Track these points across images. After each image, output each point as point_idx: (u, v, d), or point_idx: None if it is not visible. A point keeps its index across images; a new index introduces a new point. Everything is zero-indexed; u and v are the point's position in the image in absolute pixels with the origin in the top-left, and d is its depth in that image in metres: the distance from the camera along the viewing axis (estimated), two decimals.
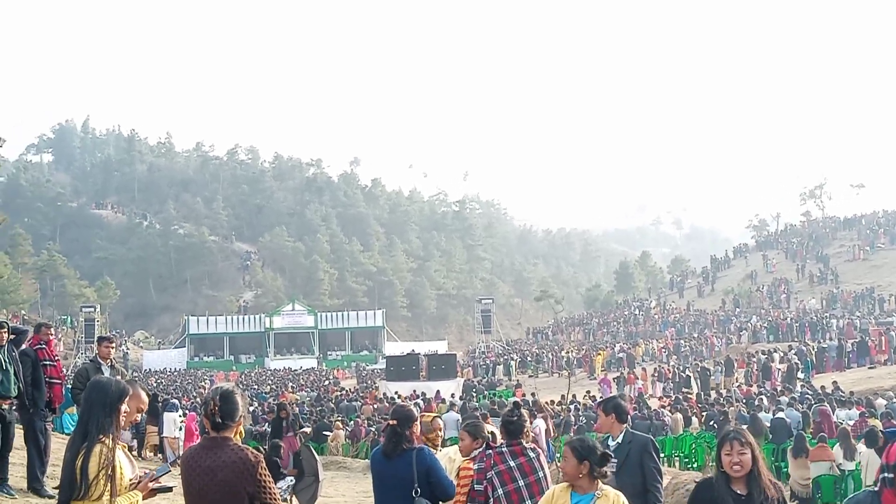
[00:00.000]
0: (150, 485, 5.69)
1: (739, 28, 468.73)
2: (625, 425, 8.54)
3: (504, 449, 7.43)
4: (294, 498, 17.21)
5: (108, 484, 5.37)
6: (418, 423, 7.59)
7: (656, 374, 47.90)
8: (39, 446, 11.75)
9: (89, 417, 5.58)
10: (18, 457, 13.62)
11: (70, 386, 12.81)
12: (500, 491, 7.21)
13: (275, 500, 5.67)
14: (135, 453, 22.35)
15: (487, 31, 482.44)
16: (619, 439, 8.43)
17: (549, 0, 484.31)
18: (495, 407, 29.93)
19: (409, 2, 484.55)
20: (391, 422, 7.36)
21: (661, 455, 25.01)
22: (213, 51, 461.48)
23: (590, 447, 6.26)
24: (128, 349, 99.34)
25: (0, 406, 11.63)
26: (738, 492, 5.88)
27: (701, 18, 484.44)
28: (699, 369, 45.30)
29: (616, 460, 8.39)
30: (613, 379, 47.69)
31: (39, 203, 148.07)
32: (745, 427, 22.21)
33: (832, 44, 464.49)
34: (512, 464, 7.32)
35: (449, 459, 8.32)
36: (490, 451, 7.46)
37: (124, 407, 5.71)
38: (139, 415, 6.70)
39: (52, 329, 13.30)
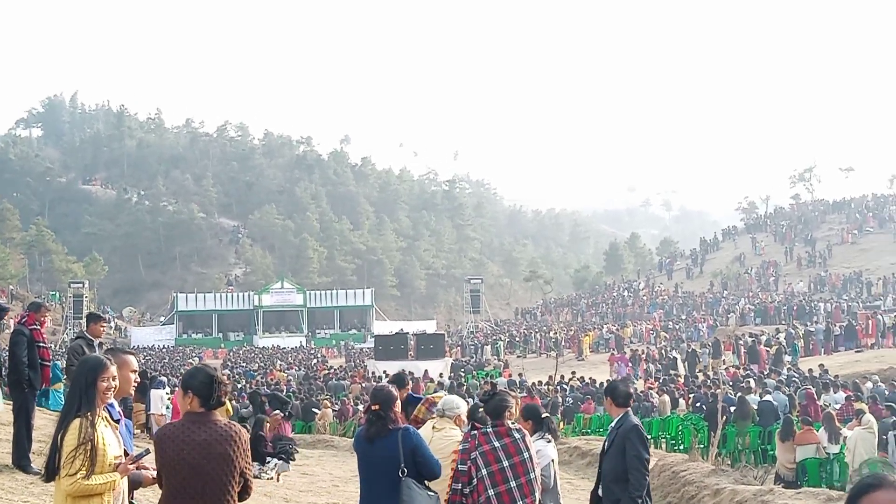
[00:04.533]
0: (131, 466, 5.67)
1: (730, 10, 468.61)
2: (623, 409, 8.53)
3: (489, 429, 7.42)
4: (280, 477, 17.24)
5: (87, 461, 5.36)
6: (399, 402, 7.59)
7: (644, 356, 47.99)
8: (30, 425, 11.76)
9: (72, 395, 5.61)
10: (4, 433, 13.60)
11: (65, 364, 12.75)
12: (483, 471, 7.20)
13: (251, 475, 5.77)
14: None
15: (478, 11, 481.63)
16: (613, 423, 8.49)
17: None
18: (488, 387, 30.05)
19: None
20: (374, 406, 7.32)
21: (648, 437, 25.17)
22: (204, 26, 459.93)
23: None
24: (126, 326, 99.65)
25: None
26: None
27: (693, 3, 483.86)
28: (689, 351, 45.36)
29: (608, 444, 8.46)
30: (630, 357, 47.95)
31: (28, 178, 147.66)
32: (733, 411, 22.36)
33: (822, 28, 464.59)
34: (497, 444, 7.31)
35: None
36: (475, 431, 7.45)
37: (106, 383, 5.70)
38: (133, 384, 6.66)
39: (49, 312, 13.26)
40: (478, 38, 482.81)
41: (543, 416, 9.16)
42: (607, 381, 26.34)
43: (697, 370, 39.94)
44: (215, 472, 5.49)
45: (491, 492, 7.17)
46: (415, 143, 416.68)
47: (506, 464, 7.25)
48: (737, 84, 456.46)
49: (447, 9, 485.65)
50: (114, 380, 5.81)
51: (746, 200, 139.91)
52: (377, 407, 7.28)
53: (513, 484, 7.23)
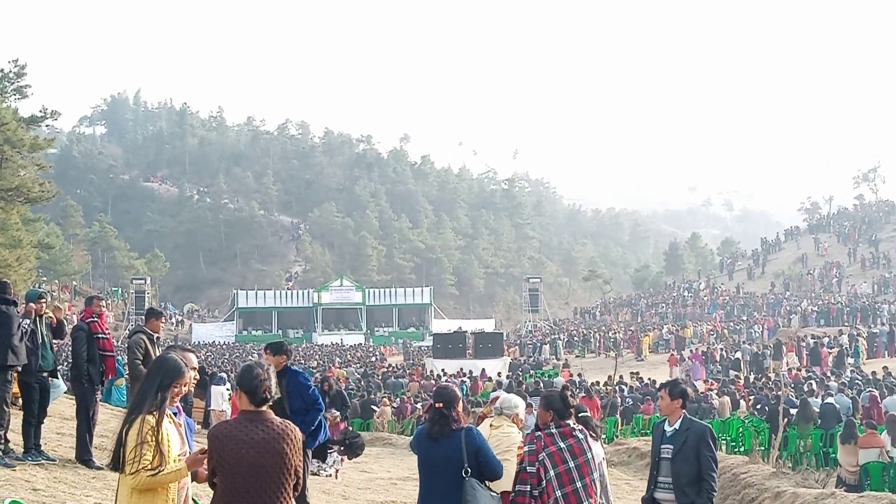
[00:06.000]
0: (200, 455, 5.70)
1: (795, 10, 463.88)
2: (684, 412, 8.47)
3: (553, 430, 7.41)
4: (338, 474, 17.27)
5: (155, 456, 5.41)
6: (462, 401, 7.55)
7: (704, 357, 47.61)
8: (91, 420, 11.88)
9: (143, 392, 5.68)
10: (68, 427, 13.77)
11: (127, 359, 12.85)
12: (552, 472, 7.20)
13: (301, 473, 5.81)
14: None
15: (539, 10, 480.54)
16: (677, 426, 8.41)
17: None
18: (540, 387, 29.95)
19: None
20: (437, 404, 7.30)
21: None
22: (265, 25, 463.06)
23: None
24: (187, 321, 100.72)
25: (40, 376, 11.81)
26: None
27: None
28: (758, 352, 44.80)
29: (672, 447, 8.33)
30: (702, 353, 47.63)
31: (92, 175, 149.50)
32: (795, 414, 22.16)
33: (887, 26, 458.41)
34: (562, 445, 7.32)
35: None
36: (539, 432, 7.43)
37: (179, 388, 5.80)
38: (192, 381, 6.71)
39: (103, 301, 13.37)
40: (539, 37, 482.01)
41: (581, 414, 9.10)
42: (705, 382, 26.02)
43: (763, 371, 39.58)
44: (273, 469, 5.53)
45: (558, 493, 7.17)
46: (474, 141, 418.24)
47: (571, 464, 7.25)
48: (801, 83, 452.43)
49: (507, 8, 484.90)
50: (185, 386, 5.90)
51: (809, 201, 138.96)
52: (441, 405, 7.26)
53: (579, 484, 7.22)
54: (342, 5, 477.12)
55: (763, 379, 33.63)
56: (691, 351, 51.17)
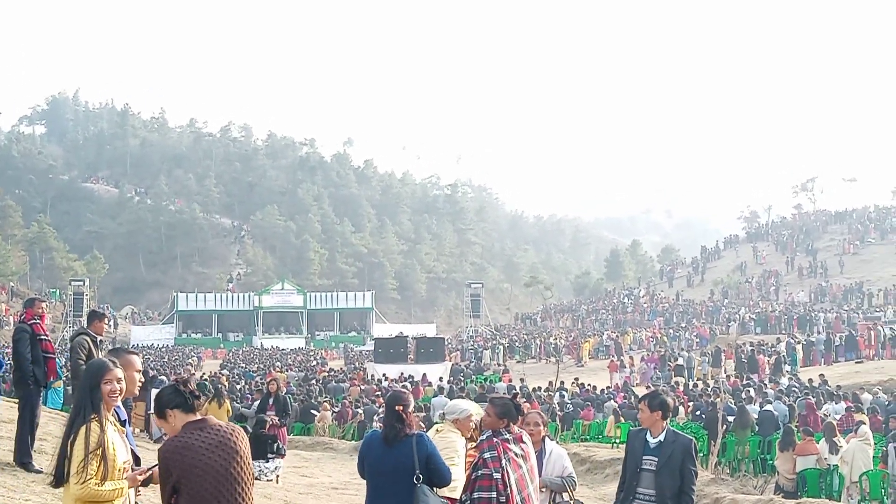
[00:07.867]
0: (139, 478, 5.64)
1: (735, 21, 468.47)
2: (666, 422, 8.48)
3: (508, 436, 7.42)
4: (279, 479, 17.23)
5: (100, 466, 5.35)
6: (413, 406, 7.53)
7: (661, 361, 47.76)
8: (34, 423, 11.74)
9: (79, 401, 5.62)
10: (6, 430, 13.60)
11: (67, 361, 12.75)
12: (512, 478, 7.19)
13: None
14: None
15: (482, 17, 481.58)
16: (662, 437, 8.39)
17: None
18: (484, 392, 30.00)
19: None
20: (397, 407, 7.22)
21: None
22: (208, 27, 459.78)
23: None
24: (125, 323, 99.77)
25: None
26: None
27: (697, 10, 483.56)
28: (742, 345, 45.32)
29: (656, 459, 8.35)
30: (660, 357, 47.92)
31: (31, 175, 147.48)
32: (733, 420, 22.40)
33: (826, 39, 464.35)
34: (516, 450, 7.35)
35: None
36: (496, 438, 7.41)
37: (110, 385, 5.69)
38: (138, 384, 6.63)
39: (45, 304, 13.24)
40: (482, 44, 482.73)
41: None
42: (647, 388, 26.05)
43: (698, 379, 39.87)
44: (235, 471, 5.53)
45: (517, 497, 7.17)
46: (418, 146, 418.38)
47: (524, 469, 7.30)
48: (739, 92, 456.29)
49: (452, 13, 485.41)
50: (119, 382, 5.79)
51: (748, 209, 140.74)
52: (401, 408, 7.23)
53: (530, 489, 7.28)
54: (285, 8, 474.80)
55: (701, 385, 33.92)
56: (633, 357, 51.36)
